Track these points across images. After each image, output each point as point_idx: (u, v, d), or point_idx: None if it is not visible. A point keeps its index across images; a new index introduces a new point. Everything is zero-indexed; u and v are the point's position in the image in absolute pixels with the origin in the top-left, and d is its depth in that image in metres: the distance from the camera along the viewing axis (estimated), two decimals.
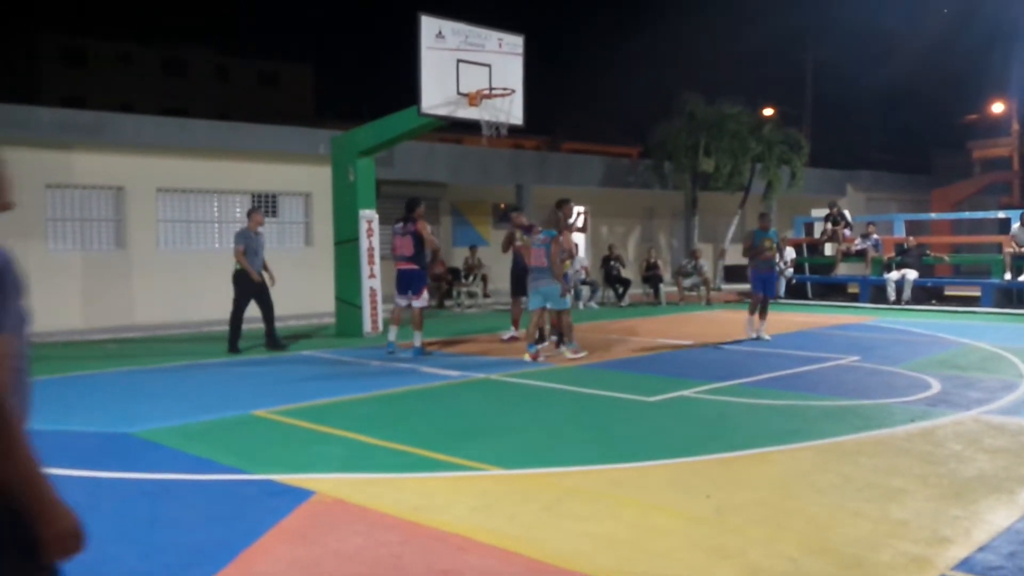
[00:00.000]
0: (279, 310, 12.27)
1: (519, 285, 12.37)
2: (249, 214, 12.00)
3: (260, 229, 11.89)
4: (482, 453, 6.10)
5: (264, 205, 17.63)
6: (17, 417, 1.84)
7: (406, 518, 4.71)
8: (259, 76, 49.92)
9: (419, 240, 11.14)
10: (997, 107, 39.16)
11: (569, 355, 10.65)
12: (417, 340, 11.18)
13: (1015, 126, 37.01)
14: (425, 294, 11.40)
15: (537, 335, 11.07)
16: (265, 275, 11.69)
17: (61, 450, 6.12)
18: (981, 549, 4.19)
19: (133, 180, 15.82)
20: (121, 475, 5.65)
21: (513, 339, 12.55)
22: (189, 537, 4.46)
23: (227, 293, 11.76)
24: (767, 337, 12.56)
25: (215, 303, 15.50)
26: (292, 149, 17.61)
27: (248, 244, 11.56)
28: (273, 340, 11.90)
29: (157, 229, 16.25)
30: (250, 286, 11.56)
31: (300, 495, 5.12)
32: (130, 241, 15.84)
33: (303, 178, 17.84)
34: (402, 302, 11.27)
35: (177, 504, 5.05)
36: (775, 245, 13.10)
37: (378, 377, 9.60)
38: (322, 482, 5.40)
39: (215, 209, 17.17)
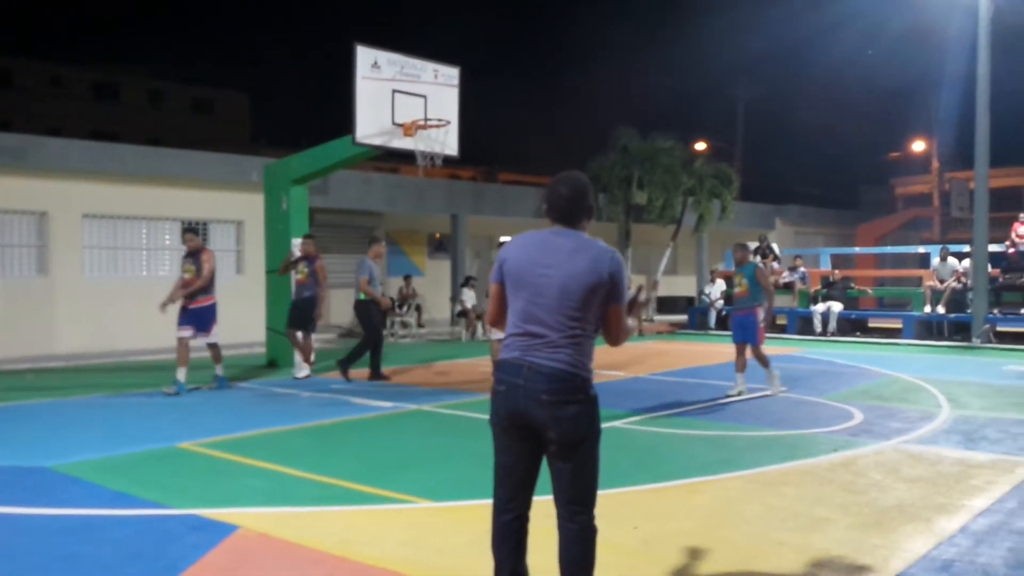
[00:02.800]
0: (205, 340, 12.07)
1: (300, 317, 11.95)
2: (370, 244, 12.17)
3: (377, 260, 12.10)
4: (412, 485, 6.05)
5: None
6: None
7: (333, 552, 4.64)
8: (193, 102, 49.25)
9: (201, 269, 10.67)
10: (918, 145, 40.62)
11: None
12: (220, 370, 11.05)
13: (935, 164, 38.40)
14: (215, 328, 10.83)
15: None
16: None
17: None
18: None
19: (57, 205, 15.44)
20: (38, 511, 5.46)
21: (308, 377, 11.90)
22: (108, 575, 4.33)
23: (155, 321, 11.51)
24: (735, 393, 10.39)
25: (142, 332, 15.18)
26: (224, 176, 17.39)
27: (372, 273, 11.70)
28: (377, 370, 11.91)
29: (82, 255, 15.87)
30: (379, 312, 11.90)
31: (224, 530, 5.01)
32: (53, 268, 15.42)
33: (235, 206, 17.62)
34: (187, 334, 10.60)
35: (96, 541, 4.89)
36: (745, 282, 10.30)
37: (308, 409, 9.47)
38: (247, 516, 5.29)
39: (143, 236, 16.84)
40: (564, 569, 3.51)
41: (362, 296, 11.74)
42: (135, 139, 30.35)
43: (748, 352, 10.37)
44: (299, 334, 11.97)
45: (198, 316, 10.61)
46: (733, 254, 10.87)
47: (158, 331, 11.53)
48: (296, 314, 11.98)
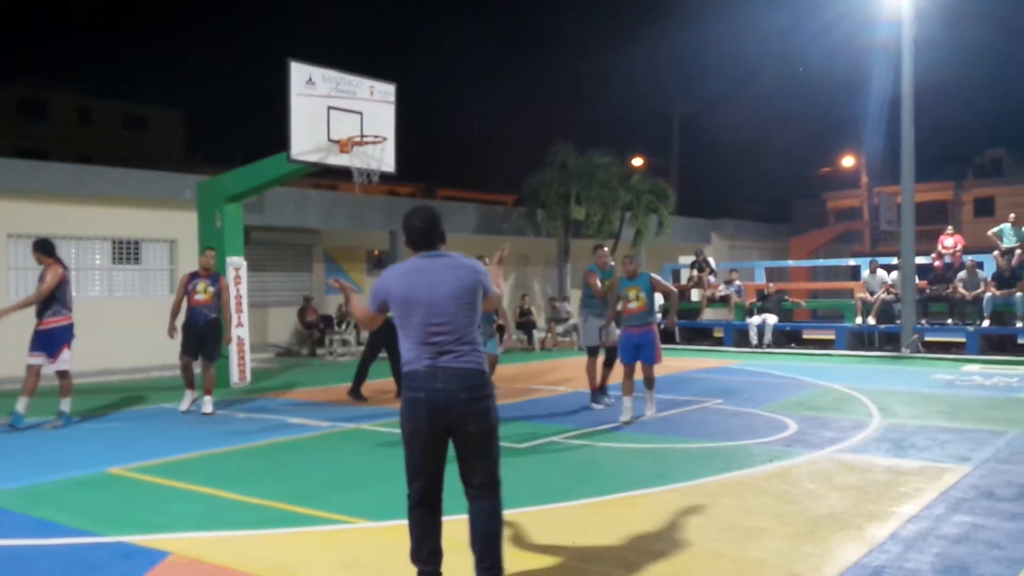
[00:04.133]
0: (137, 361, 11.77)
1: (211, 345, 10.55)
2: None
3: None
4: (349, 505, 5.98)
5: (126, 252, 16.99)
6: None
7: None
8: (125, 119, 48.27)
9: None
10: (848, 160, 41.73)
11: None
12: (65, 406, 9.57)
13: (864, 179, 39.48)
14: (65, 353, 9.42)
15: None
16: None
17: None
18: None
19: None
20: None
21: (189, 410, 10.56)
22: None
23: (85, 343, 11.19)
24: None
25: (74, 354, 14.75)
26: (156, 194, 17.06)
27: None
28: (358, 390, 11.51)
29: (8, 277, 15.40)
30: (379, 332, 10.82)
31: (154, 556, 4.89)
32: None
33: (168, 224, 17.28)
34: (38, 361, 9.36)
35: (22, 572, 4.72)
36: (643, 295, 9.44)
37: (243, 430, 9.29)
38: (179, 542, 5.17)
39: (72, 256, 16.39)
40: (479, 541, 4.08)
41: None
42: (64, 157, 29.59)
43: (638, 372, 9.47)
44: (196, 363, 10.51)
45: (45, 339, 9.26)
46: (624, 267, 9.67)
47: (86, 355, 11.17)
48: (207, 342, 10.42)
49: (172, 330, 10.50)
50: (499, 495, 4.14)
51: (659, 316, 12.61)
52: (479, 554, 4.07)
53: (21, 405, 9.27)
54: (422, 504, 4.11)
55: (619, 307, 9.87)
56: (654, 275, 9.65)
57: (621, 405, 9.45)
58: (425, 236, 4.18)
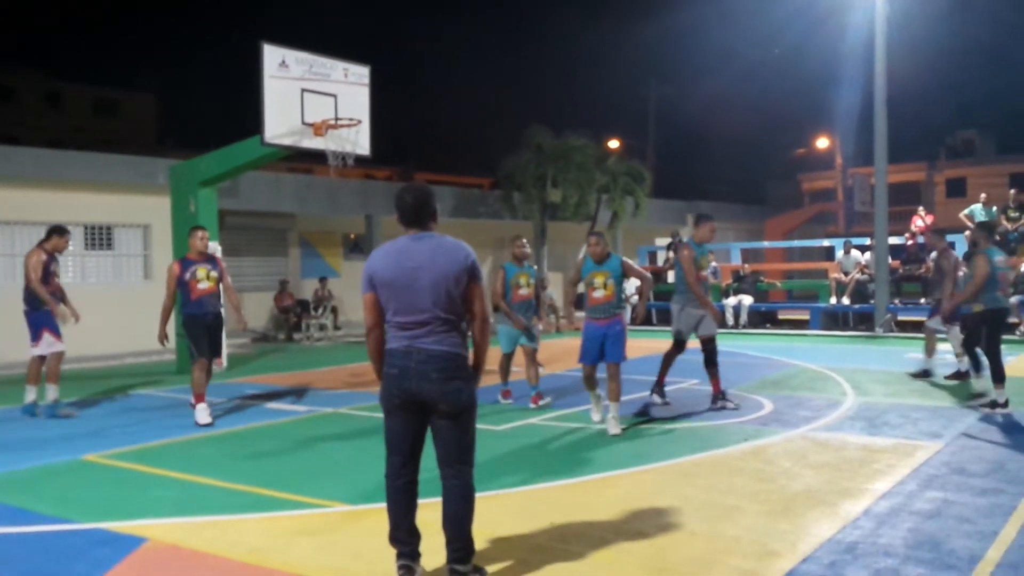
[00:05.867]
0: (112, 348, 11.62)
1: (215, 340, 9.15)
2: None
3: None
4: (327, 489, 5.98)
5: (99, 238, 16.80)
6: None
7: (244, 561, 4.56)
8: (96, 104, 47.66)
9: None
10: (822, 142, 41.96)
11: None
12: (51, 394, 9.31)
13: (838, 160, 39.73)
14: (46, 337, 9.22)
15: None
16: None
17: None
18: (805, 560, 4.42)
19: None
20: None
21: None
22: None
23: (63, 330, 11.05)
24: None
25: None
26: (129, 179, 16.86)
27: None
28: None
29: None
30: None
31: (131, 543, 4.87)
32: None
33: (141, 209, 17.09)
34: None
35: None
36: (611, 282, 7.90)
37: (220, 415, 9.25)
38: (155, 528, 5.15)
39: None
40: (449, 522, 4.11)
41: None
42: (34, 142, 29.17)
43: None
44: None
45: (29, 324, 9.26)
46: (590, 248, 8.08)
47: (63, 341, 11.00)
48: (213, 338, 8.96)
49: (164, 336, 8.75)
50: (471, 476, 4.15)
51: (636, 299, 11.80)
52: (449, 535, 4.12)
53: (33, 395, 9.39)
54: (397, 480, 4.17)
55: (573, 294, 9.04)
56: (626, 259, 8.14)
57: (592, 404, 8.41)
58: (416, 212, 4.19)
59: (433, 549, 4.27)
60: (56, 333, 9.32)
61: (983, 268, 8.58)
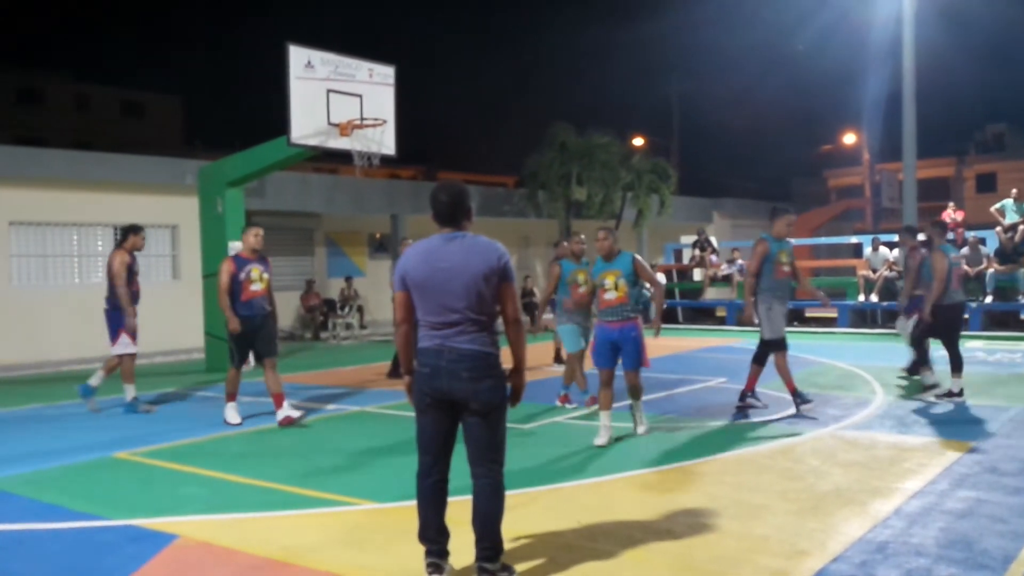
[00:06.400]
0: (141, 347, 11.66)
1: (271, 341, 8.85)
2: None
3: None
4: (355, 487, 6.01)
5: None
6: None
7: (275, 558, 4.59)
8: (123, 106, 48.12)
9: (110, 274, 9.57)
10: (849, 138, 41.59)
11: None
12: (129, 392, 9.68)
13: (865, 156, 39.32)
14: (123, 337, 9.53)
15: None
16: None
17: None
18: (835, 560, 4.39)
19: None
20: None
21: None
22: None
23: (86, 330, 11.21)
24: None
25: (76, 341, 14.81)
26: (157, 180, 17.04)
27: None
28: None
29: (10, 264, 15.41)
30: None
31: (162, 539, 4.92)
32: None
33: (169, 210, 17.27)
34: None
35: (29, 556, 4.76)
36: (623, 283, 7.33)
37: (248, 413, 9.30)
38: (186, 525, 5.20)
39: (75, 243, 16.41)
40: (479, 520, 4.13)
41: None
42: (62, 144, 29.51)
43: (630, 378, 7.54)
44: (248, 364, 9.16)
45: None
46: (597, 243, 7.50)
47: (93, 341, 11.16)
48: (261, 338, 8.67)
49: (235, 320, 8.44)
50: (501, 475, 4.16)
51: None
52: (479, 533, 4.13)
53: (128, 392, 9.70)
54: (428, 479, 4.21)
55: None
56: (638, 258, 7.51)
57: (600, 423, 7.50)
58: (451, 211, 4.19)
59: (462, 547, 4.28)
60: (132, 335, 9.64)
61: (942, 264, 9.04)
